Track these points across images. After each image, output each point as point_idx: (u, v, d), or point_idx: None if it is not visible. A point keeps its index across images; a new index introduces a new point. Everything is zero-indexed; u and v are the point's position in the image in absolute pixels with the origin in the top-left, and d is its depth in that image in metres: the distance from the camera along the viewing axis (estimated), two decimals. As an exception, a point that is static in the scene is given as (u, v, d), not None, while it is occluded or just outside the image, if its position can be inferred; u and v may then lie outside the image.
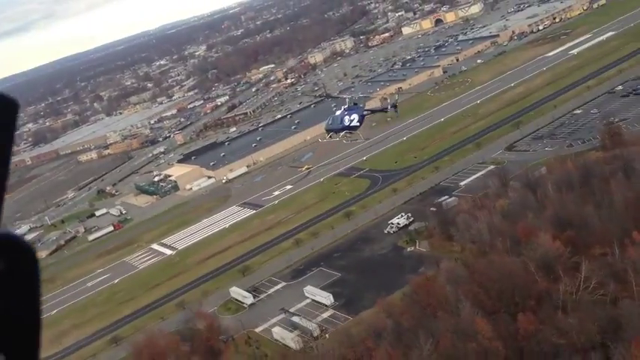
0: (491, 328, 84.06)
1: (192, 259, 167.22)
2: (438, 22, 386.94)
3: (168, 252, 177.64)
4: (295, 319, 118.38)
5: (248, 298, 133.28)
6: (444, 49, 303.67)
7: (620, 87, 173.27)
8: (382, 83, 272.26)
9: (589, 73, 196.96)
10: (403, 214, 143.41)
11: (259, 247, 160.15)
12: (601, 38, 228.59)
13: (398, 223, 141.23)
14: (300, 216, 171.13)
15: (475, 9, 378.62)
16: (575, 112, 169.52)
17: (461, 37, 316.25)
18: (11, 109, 2.16)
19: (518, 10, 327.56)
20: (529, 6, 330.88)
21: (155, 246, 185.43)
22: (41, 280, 2.08)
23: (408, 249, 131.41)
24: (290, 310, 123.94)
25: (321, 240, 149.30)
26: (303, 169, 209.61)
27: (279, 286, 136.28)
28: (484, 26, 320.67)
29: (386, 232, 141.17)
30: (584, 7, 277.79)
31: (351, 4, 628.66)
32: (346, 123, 63.73)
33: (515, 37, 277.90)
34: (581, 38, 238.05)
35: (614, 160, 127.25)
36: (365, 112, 66.01)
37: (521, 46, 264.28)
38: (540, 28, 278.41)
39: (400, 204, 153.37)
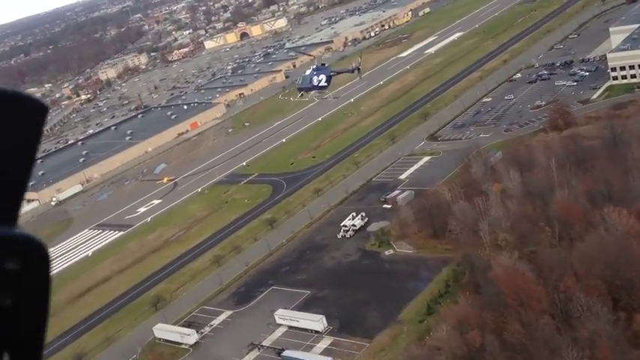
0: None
1: (59, 297, 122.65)
2: (244, 35, 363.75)
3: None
4: (289, 354, 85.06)
5: (190, 336, 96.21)
6: (274, 56, 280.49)
7: (518, 75, 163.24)
8: (219, 89, 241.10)
9: (467, 66, 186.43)
10: (354, 214, 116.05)
11: (158, 272, 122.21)
12: (452, 38, 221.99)
13: (353, 225, 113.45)
14: (196, 231, 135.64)
15: (282, 23, 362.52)
16: (484, 100, 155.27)
17: (288, 45, 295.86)
18: (40, 113, 2.22)
19: (333, 22, 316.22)
20: (341, 18, 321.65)
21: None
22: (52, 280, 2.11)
23: (386, 252, 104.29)
24: (265, 344, 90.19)
25: (251, 254, 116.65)
26: (164, 181, 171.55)
27: (223, 316, 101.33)
28: (302, 37, 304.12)
29: (340, 236, 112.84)
30: (410, 16, 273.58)
31: (120, 26, 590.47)
32: (315, 83, 63.71)
33: (350, 43, 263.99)
34: (428, 40, 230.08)
35: (589, 136, 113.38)
36: (331, 73, 66.07)
37: (363, 50, 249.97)
38: (372, 34, 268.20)
39: (336, 204, 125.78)
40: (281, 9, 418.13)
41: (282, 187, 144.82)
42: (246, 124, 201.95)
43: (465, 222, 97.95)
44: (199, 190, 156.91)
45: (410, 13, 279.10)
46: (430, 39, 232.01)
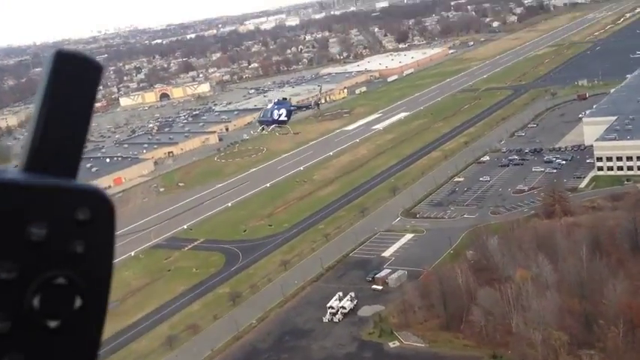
0: None
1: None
2: (164, 96, 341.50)
3: None
4: None
5: None
6: (204, 118, 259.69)
7: (487, 157, 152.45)
8: (146, 146, 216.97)
9: (424, 145, 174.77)
10: (341, 294, 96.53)
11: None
12: (398, 117, 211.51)
13: (342, 308, 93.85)
14: (134, 304, 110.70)
15: (205, 88, 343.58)
16: (456, 179, 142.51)
17: (219, 108, 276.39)
18: (96, 71, 2.33)
19: (262, 92, 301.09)
20: (269, 90, 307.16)
21: None
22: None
23: (391, 344, 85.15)
24: None
25: (212, 335, 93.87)
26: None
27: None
28: (230, 102, 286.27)
29: (326, 320, 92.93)
30: (346, 93, 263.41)
31: (20, 77, 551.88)
32: (275, 117, 62.82)
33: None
34: (372, 117, 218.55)
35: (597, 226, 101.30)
36: (292, 108, 64.26)
37: (303, 120, 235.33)
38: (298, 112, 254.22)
39: (311, 280, 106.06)
40: (201, 75, 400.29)
41: (237, 256, 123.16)
42: (180, 184, 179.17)
43: (491, 312, 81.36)
44: (132, 254, 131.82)
45: (346, 90, 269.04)
46: (374, 116, 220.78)
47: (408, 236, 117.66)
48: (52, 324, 2.07)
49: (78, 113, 2.30)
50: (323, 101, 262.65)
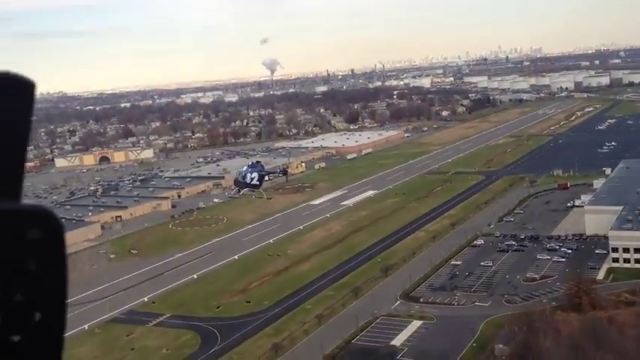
0: None
1: None
2: (103, 159, 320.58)
3: None
4: None
5: None
6: (153, 183, 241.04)
7: (481, 241, 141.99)
8: (91, 208, 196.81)
9: (404, 224, 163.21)
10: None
11: None
12: (367, 195, 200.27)
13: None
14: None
15: (148, 153, 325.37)
16: (452, 262, 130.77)
17: (168, 174, 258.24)
18: (29, 90, 2.36)
19: (212, 162, 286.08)
20: (218, 159, 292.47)
21: None
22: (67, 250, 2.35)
23: None
24: None
25: None
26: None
27: None
28: (178, 170, 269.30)
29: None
30: (304, 167, 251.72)
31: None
32: (247, 180, 60.47)
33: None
34: (337, 193, 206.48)
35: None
36: (262, 173, 62.21)
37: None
38: (266, 178, 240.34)
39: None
40: (141, 141, 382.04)
41: (215, 336, 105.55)
42: (134, 251, 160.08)
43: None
44: (86, 327, 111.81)
45: (303, 164, 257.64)
46: (339, 192, 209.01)
47: (416, 323, 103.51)
48: (15, 338, 2.20)
49: (16, 133, 2.32)
50: (290, 171, 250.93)
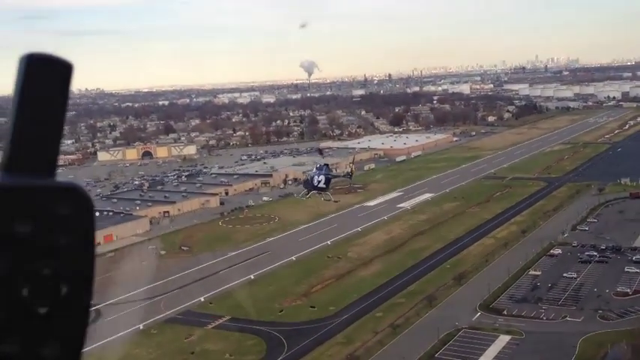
0: None
1: None
2: (146, 154, 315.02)
3: None
4: None
5: None
6: (199, 178, 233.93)
7: (558, 251, 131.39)
8: (138, 202, 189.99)
9: (468, 229, 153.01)
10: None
11: None
12: (424, 198, 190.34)
13: None
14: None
15: (191, 150, 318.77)
16: (531, 272, 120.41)
17: (214, 171, 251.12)
18: (66, 70, 2.43)
19: (257, 159, 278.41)
20: (262, 157, 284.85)
21: None
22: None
23: None
24: None
25: None
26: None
27: None
28: (222, 167, 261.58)
29: None
30: (352, 167, 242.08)
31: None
32: (315, 183, 53.45)
33: (290, 182, 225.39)
34: (392, 195, 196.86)
35: None
36: (329, 176, 55.45)
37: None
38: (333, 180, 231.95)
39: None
40: (182, 138, 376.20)
41: (280, 342, 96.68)
42: (184, 248, 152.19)
43: None
44: (141, 327, 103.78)
45: (352, 165, 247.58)
46: (394, 194, 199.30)
47: (504, 338, 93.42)
48: (42, 310, 2.25)
49: (52, 113, 2.38)
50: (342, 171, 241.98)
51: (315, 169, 67.99)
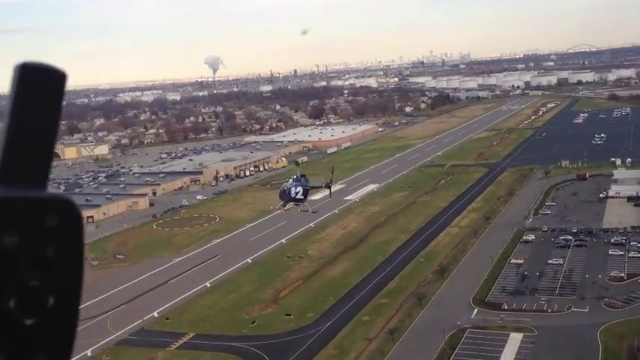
0: None
1: None
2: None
3: None
4: None
5: None
6: (121, 179, 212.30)
7: (531, 237, 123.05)
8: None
9: (427, 220, 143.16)
10: None
11: None
12: (369, 189, 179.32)
13: None
14: None
15: (103, 149, 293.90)
16: (512, 261, 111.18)
17: (136, 170, 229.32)
18: (60, 80, 2.36)
19: (178, 157, 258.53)
20: (183, 155, 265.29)
21: None
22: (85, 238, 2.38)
23: None
24: None
25: None
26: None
27: None
28: (142, 166, 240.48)
29: None
30: (285, 162, 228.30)
31: None
32: (292, 195, 55.91)
33: (222, 179, 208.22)
34: (336, 187, 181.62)
35: None
36: (307, 187, 57.06)
37: (246, 188, 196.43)
38: (247, 173, 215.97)
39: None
40: (90, 138, 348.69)
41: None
42: (119, 256, 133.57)
43: None
44: (89, 353, 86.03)
45: (284, 159, 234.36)
46: (337, 186, 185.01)
47: (516, 337, 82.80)
48: (29, 322, 2.21)
49: (45, 123, 2.32)
50: (261, 169, 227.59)
51: (291, 180, 61.28)
